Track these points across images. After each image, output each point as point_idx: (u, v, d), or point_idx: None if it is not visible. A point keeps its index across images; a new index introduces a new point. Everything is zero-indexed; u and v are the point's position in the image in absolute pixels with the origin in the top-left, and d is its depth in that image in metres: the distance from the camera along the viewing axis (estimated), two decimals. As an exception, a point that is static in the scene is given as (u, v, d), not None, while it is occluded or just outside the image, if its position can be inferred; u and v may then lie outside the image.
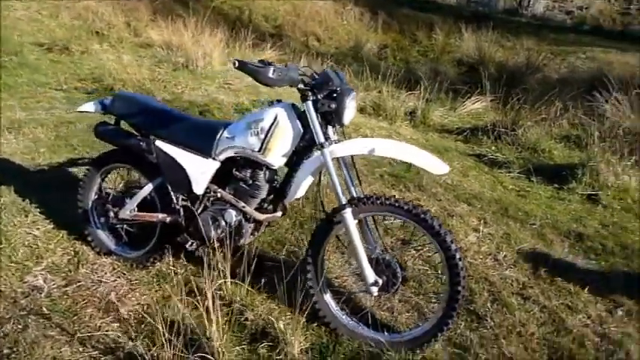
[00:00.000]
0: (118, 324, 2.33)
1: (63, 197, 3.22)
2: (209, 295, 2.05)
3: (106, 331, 2.29)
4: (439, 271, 2.68)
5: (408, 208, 2.12)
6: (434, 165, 2.09)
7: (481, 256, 3.02)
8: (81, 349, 2.18)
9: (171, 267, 2.71)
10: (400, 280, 2.20)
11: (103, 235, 2.76)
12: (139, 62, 6.56)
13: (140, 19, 8.46)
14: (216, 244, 2.32)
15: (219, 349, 2.01)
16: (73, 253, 2.75)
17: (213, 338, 2.03)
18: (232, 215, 2.34)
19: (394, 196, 2.17)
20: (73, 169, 3.72)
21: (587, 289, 2.78)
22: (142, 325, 2.32)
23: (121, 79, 5.59)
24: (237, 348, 2.14)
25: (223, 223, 2.36)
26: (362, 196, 2.23)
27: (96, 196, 2.77)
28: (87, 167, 2.79)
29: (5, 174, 3.46)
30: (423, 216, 2.10)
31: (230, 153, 2.33)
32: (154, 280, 2.62)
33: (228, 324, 2.17)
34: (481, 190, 4.07)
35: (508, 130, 5.30)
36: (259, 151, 2.23)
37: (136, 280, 2.61)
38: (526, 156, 4.91)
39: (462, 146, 5.29)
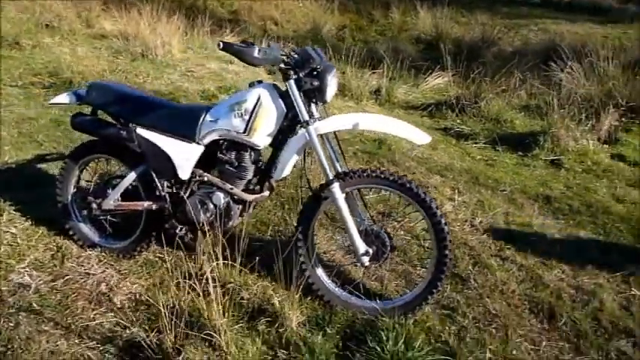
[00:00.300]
0: (112, 314, 2.32)
1: (36, 194, 3.16)
2: (209, 277, 2.07)
3: (101, 321, 2.28)
4: (422, 239, 2.80)
5: (394, 178, 2.20)
6: (416, 135, 2.17)
7: (458, 223, 3.15)
8: (77, 340, 2.17)
9: (158, 254, 2.71)
10: (389, 249, 2.28)
11: (86, 228, 2.73)
12: (95, 54, 6.39)
13: (91, 9, 8.18)
14: (206, 228, 2.34)
15: (221, 327, 2.04)
16: (55, 248, 2.71)
17: (214, 318, 2.06)
18: (220, 198, 2.36)
19: (379, 168, 2.24)
20: (42, 165, 3.62)
21: (559, 247, 2.95)
22: (137, 313, 2.33)
23: (79, 72, 5.42)
24: (237, 326, 2.18)
25: (212, 206, 2.38)
26: (347, 170, 2.29)
27: (75, 189, 2.73)
28: (64, 161, 2.73)
29: (-28, 174, 3.35)
30: (408, 185, 2.18)
31: (214, 136, 2.34)
32: (143, 268, 2.62)
33: (226, 304, 2.20)
34: (451, 162, 4.21)
35: (471, 103, 5.47)
36: (244, 132, 2.25)
37: (125, 269, 2.59)
38: (490, 127, 5.10)
39: (428, 121, 5.44)
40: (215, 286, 2.08)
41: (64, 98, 2.58)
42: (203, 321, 2.12)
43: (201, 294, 2.13)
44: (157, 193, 2.47)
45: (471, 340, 2.24)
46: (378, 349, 2.06)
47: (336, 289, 2.39)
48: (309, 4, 10.65)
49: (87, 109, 2.70)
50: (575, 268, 2.77)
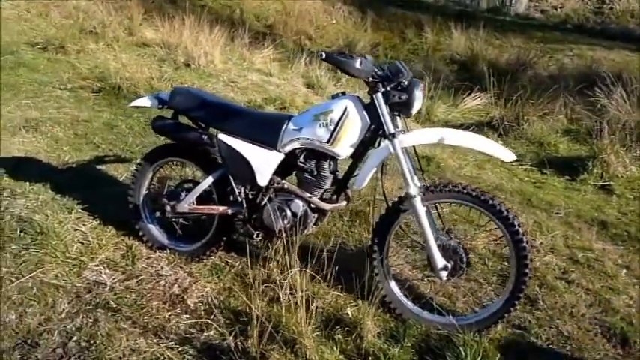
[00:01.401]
0: (187, 315, 2.35)
1: (99, 194, 3.22)
2: (284, 284, 2.09)
3: (177, 322, 2.30)
4: (486, 258, 2.79)
5: (476, 194, 2.21)
6: (502, 153, 2.18)
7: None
8: (156, 340, 2.20)
9: (224, 259, 2.74)
10: (465, 264, 2.29)
11: (155, 230, 2.77)
12: (138, 61, 6.50)
13: (133, 18, 8.35)
14: (283, 235, 2.37)
15: (305, 334, 2.05)
16: (125, 247, 2.74)
17: (298, 324, 2.07)
18: (299, 206, 2.39)
19: (460, 183, 2.26)
20: (101, 167, 3.70)
21: (623, 272, 2.93)
22: (212, 316, 2.34)
23: (127, 78, 5.53)
24: (314, 334, 2.19)
25: (290, 214, 2.40)
26: (430, 184, 2.31)
27: (147, 191, 2.77)
28: (138, 162, 2.78)
29: (36, 172, 3.41)
30: (491, 202, 2.19)
31: (296, 145, 2.37)
32: (212, 272, 2.65)
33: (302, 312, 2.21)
34: (500, 182, 4.21)
35: (513, 125, 5.49)
36: (328, 142, 2.29)
37: (195, 272, 2.62)
38: (534, 149, 5.11)
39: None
40: (292, 294, 2.09)
41: (145, 101, 2.64)
42: (284, 327, 2.14)
43: (283, 301, 2.14)
44: (233, 199, 2.51)
45: None
46: (457, 364, 2.06)
47: (409, 302, 2.40)
48: (342, 21, 10.80)
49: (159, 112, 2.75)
50: (642, 295, 2.75)
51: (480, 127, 5.72)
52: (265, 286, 2.42)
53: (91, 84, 5.68)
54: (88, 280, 2.51)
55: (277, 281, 2.46)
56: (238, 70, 6.70)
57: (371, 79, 2.23)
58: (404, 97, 2.20)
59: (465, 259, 2.28)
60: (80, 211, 2.98)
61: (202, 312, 2.37)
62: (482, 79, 7.84)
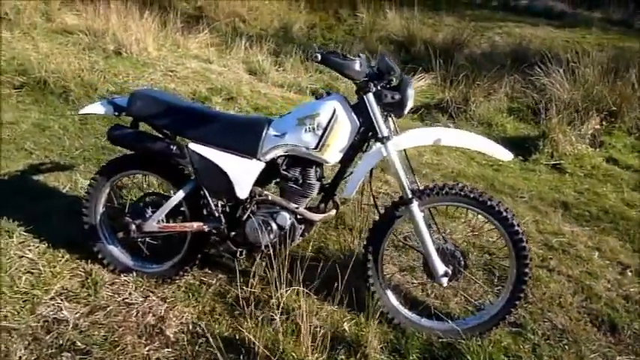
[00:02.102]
0: (168, 349, 2.10)
1: (42, 209, 2.86)
2: (273, 303, 1.91)
3: (158, 358, 2.06)
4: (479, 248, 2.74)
5: (474, 195, 2.12)
6: (500, 152, 2.10)
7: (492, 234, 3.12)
8: (138, 383, 1.95)
9: (200, 278, 2.50)
10: (464, 268, 2.21)
11: (117, 251, 2.47)
12: (61, 50, 5.90)
13: (49, 2, 7.57)
14: (270, 250, 2.18)
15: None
16: (84, 274, 2.43)
17: (299, 351, 1.90)
18: (286, 218, 2.19)
19: (457, 184, 2.15)
20: (39, 177, 3.28)
21: (596, 254, 2.99)
22: (196, 347, 2.12)
23: (53, 71, 4.98)
24: (312, 357, 2.02)
25: (275, 227, 2.20)
26: (424, 187, 2.19)
27: (104, 209, 2.46)
28: (92, 177, 2.44)
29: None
30: (490, 203, 2.11)
31: (279, 152, 2.16)
32: (189, 294, 2.40)
33: (301, 332, 2.04)
34: (460, 167, 4.21)
35: (461, 106, 5.53)
36: (315, 148, 2.09)
37: (169, 297, 2.36)
38: (484, 130, 5.16)
39: (420, 124, 5.41)
40: (283, 313, 1.91)
41: (97, 108, 2.31)
42: (283, 353, 1.96)
43: (278, 324, 1.96)
44: (209, 213, 2.27)
45: (547, 358, 2.21)
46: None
47: (406, 311, 2.29)
48: (275, 2, 10.43)
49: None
50: (617, 277, 2.82)
51: (430, 109, 5.71)
52: (252, 306, 2.22)
53: (10, 79, 5.06)
54: (45, 317, 2.19)
55: (265, 300, 2.27)
56: (175, 58, 6.26)
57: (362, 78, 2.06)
58: (397, 96, 2.04)
59: (462, 263, 2.20)
60: (23, 233, 2.62)
61: (186, 343, 2.13)
62: (422, 59, 7.88)
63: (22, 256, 2.48)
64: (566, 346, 2.28)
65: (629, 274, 2.86)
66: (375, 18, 9.91)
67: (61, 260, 2.48)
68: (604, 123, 5.31)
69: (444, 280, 2.17)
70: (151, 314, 2.26)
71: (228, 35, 7.75)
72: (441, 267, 2.15)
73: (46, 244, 2.57)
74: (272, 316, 2.13)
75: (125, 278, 2.44)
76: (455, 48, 8.38)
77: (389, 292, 2.29)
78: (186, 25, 7.85)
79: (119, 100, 2.30)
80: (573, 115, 4.99)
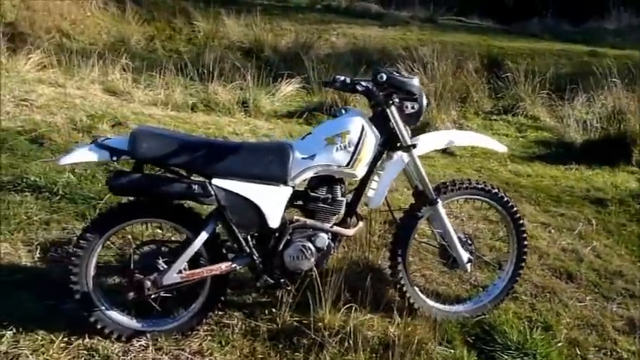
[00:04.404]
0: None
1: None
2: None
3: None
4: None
5: (484, 187, 2.38)
6: (497, 146, 2.39)
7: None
8: None
9: (217, 319, 2.31)
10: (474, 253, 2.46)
11: (120, 316, 2.14)
12: None
13: None
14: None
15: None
16: (86, 354, 2.06)
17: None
18: (324, 239, 2.16)
19: (469, 179, 2.39)
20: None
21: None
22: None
23: None
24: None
25: (314, 250, 2.16)
26: (441, 184, 2.37)
27: (95, 271, 2.11)
28: (80, 236, 2.07)
29: None
30: (497, 193, 2.39)
31: (310, 174, 2.12)
32: (220, 341, 2.20)
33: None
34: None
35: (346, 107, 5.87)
36: (348, 165, 2.12)
37: (204, 350, 2.14)
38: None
39: (308, 128, 5.61)
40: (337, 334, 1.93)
41: (85, 155, 1.95)
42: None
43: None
44: (241, 250, 2.12)
45: (545, 312, 2.59)
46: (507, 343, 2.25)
47: (431, 302, 2.45)
48: (99, 14, 9.57)
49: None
50: (548, 235, 3.38)
51: (311, 112, 5.95)
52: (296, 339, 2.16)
53: None
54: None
55: (302, 326, 2.22)
56: (18, 85, 5.40)
57: (379, 91, 2.14)
58: (416, 107, 2.17)
59: (473, 247, 2.45)
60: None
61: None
62: (273, 64, 8.06)
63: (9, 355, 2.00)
64: (551, 299, 2.70)
65: (552, 231, 3.46)
66: (213, 26, 9.78)
67: (53, 348, 2.05)
68: (458, 109, 6.19)
69: (469, 266, 2.39)
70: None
71: (57, 53, 6.90)
72: (465, 255, 2.37)
73: (37, 335, 2.09)
74: (316, 339, 2.10)
75: (140, 343, 2.14)
76: (302, 52, 8.76)
77: (417, 289, 2.43)
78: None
79: (114, 142, 1.99)
80: (440, 105, 5.71)
